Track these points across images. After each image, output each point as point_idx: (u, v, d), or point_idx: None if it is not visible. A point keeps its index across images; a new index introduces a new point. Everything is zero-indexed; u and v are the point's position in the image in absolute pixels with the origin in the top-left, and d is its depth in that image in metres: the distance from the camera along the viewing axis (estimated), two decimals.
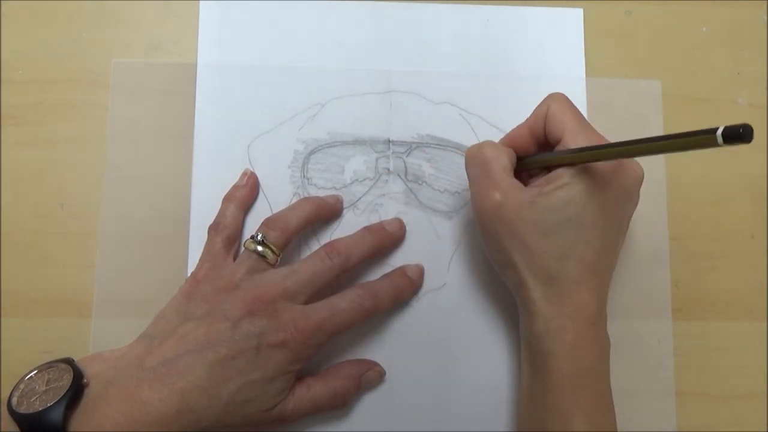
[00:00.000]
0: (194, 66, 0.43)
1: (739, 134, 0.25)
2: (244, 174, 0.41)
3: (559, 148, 0.36)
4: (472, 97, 0.43)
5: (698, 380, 0.42)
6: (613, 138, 0.43)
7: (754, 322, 0.43)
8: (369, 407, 0.40)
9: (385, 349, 0.41)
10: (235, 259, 0.39)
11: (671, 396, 0.42)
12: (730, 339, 0.43)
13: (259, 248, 0.37)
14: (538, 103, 0.43)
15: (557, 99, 0.37)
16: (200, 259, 0.39)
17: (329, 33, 0.44)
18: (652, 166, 0.44)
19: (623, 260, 0.43)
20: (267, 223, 0.39)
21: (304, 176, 0.42)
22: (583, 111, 0.44)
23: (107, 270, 0.41)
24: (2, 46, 0.42)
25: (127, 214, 0.41)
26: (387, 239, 0.41)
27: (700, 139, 0.27)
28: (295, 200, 0.42)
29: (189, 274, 0.39)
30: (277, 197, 0.42)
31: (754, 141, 0.44)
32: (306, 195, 0.42)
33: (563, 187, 0.34)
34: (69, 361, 0.34)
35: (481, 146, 0.37)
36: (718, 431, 0.42)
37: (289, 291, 0.36)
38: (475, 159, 0.37)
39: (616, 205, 0.35)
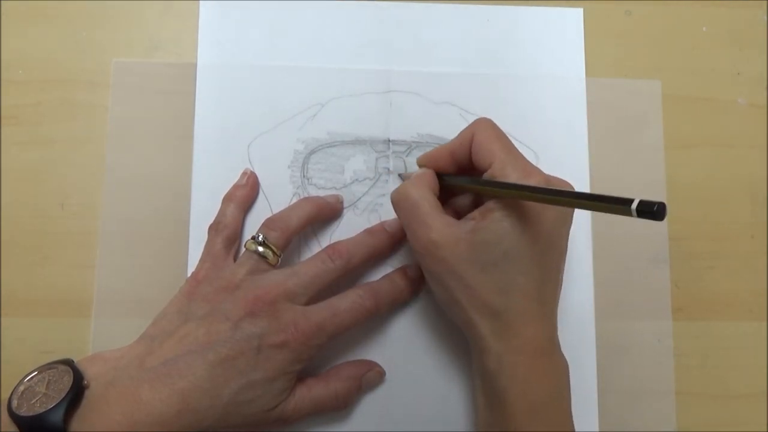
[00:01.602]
0: (194, 66, 0.43)
1: (652, 211, 0.26)
2: (244, 174, 0.41)
3: (487, 177, 0.35)
4: (472, 97, 0.43)
5: (698, 380, 0.42)
6: (613, 139, 0.44)
7: (754, 322, 0.43)
8: (369, 407, 0.40)
9: (385, 349, 0.41)
10: (235, 259, 0.39)
11: (671, 396, 0.42)
12: (730, 339, 0.43)
13: (260, 249, 0.37)
14: (538, 102, 0.44)
15: (484, 127, 0.36)
16: (200, 259, 0.39)
17: (329, 33, 0.44)
18: (651, 166, 0.44)
19: (623, 260, 0.43)
20: (267, 224, 0.39)
21: (304, 176, 0.42)
22: (583, 111, 0.44)
23: (107, 270, 0.41)
24: (2, 46, 0.42)
25: (127, 214, 0.41)
26: (388, 240, 0.41)
27: (617, 207, 0.28)
28: (295, 200, 0.42)
29: (189, 274, 0.39)
30: (277, 197, 0.42)
31: (754, 141, 0.45)
32: (306, 195, 0.42)
33: (496, 222, 0.34)
34: (69, 362, 0.34)
35: (404, 188, 0.36)
36: (718, 431, 0.42)
37: (290, 292, 0.36)
38: (402, 203, 0.36)
39: (552, 231, 0.35)
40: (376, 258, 0.41)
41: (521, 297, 0.34)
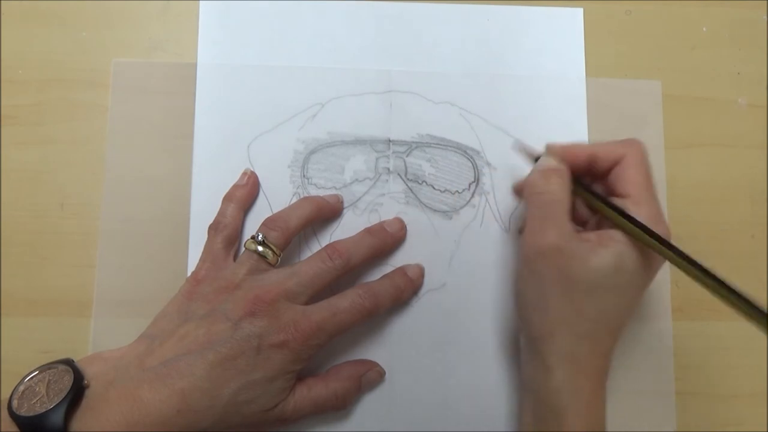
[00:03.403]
0: (194, 66, 0.43)
1: None
2: (245, 173, 0.41)
3: (618, 204, 0.35)
4: (472, 96, 0.43)
5: (698, 380, 0.42)
6: (613, 139, 0.44)
7: None
8: (369, 407, 0.40)
9: (385, 349, 0.41)
10: (235, 259, 0.39)
11: (671, 396, 0.42)
12: (730, 339, 0.43)
13: (260, 248, 0.37)
14: (538, 102, 0.44)
15: (638, 152, 0.36)
16: (200, 259, 0.39)
17: (329, 33, 0.44)
18: (653, 165, 0.44)
19: None
20: (267, 223, 0.39)
21: (304, 176, 0.42)
22: (583, 111, 0.44)
23: (107, 270, 0.41)
24: (2, 46, 0.42)
25: (127, 213, 0.41)
26: (388, 240, 0.41)
27: (751, 311, 0.29)
28: (295, 200, 0.42)
29: (189, 274, 0.39)
30: (277, 197, 0.42)
31: (754, 141, 0.45)
32: (306, 194, 0.42)
33: (618, 254, 0.34)
34: (69, 362, 0.34)
35: (548, 181, 0.36)
36: (718, 431, 0.42)
37: (290, 291, 0.36)
38: (543, 195, 0.36)
39: (647, 284, 0.36)
40: (376, 257, 0.41)
41: (607, 329, 0.34)
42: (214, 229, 0.39)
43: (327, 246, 0.39)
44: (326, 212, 0.41)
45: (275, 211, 0.41)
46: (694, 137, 0.45)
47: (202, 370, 0.34)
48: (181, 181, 0.41)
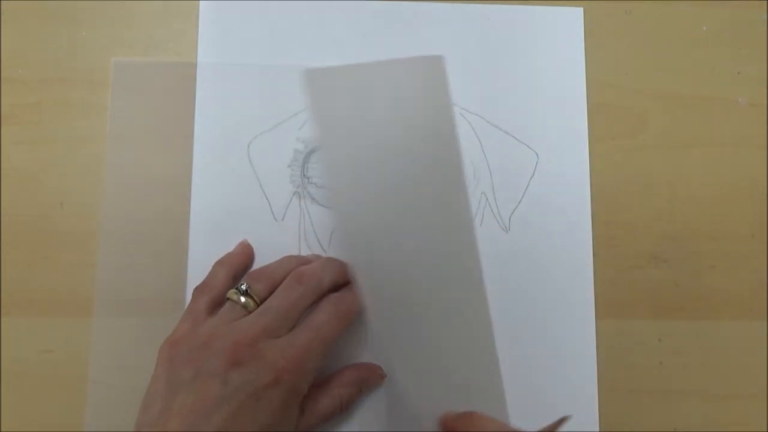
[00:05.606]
0: (194, 65, 0.43)
1: None
2: (241, 244, 0.41)
3: None
4: (471, 96, 0.43)
5: (698, 380, 0.42)
6: (613, 139, 0.44)
7: (755, 322, 0.43)
8: (369, 407, 0.40)
9: (385, 349, 0.41)
10: None
11: (671, 396, 0.42)
12: (730, 339, 0.43)
13: (242, 299, 0.36)
14: (538, 102, 0.44)
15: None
16: (181, 320, 0.37)
17: (329, 32, 0.44)
18: (653, 165, 0.44)
19: (625, 259, 0.43)
20: (252, 275, 0.37)
21: (304, 175, 0.42)
22: (583, 111, 0.44)
23: (108, 269, 0.40)
24: (2, 46, 0.42)
25: (127, 213, 0.41)
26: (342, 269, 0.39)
27: None
28: (294, 199, 0.42)
29: (188, 274, 0.39)
30: (276, 197, 0.42)
31: (754, 141, 0.45)
32: (306, 194, 0.42)
33: None
34: None
35: None
36: (718, 431, 0.42)
37: (268, 328, 0.35)
38: None
39: None
40: (342, 278, 0.39)
41: None
42: (200, 290, 0.37)
43: (293, 273, 0.37)
44: None
45: (275, 210, 0.41)
46: (694, 137, 0.45)
47: None
48: (181, 180, 0.41)
